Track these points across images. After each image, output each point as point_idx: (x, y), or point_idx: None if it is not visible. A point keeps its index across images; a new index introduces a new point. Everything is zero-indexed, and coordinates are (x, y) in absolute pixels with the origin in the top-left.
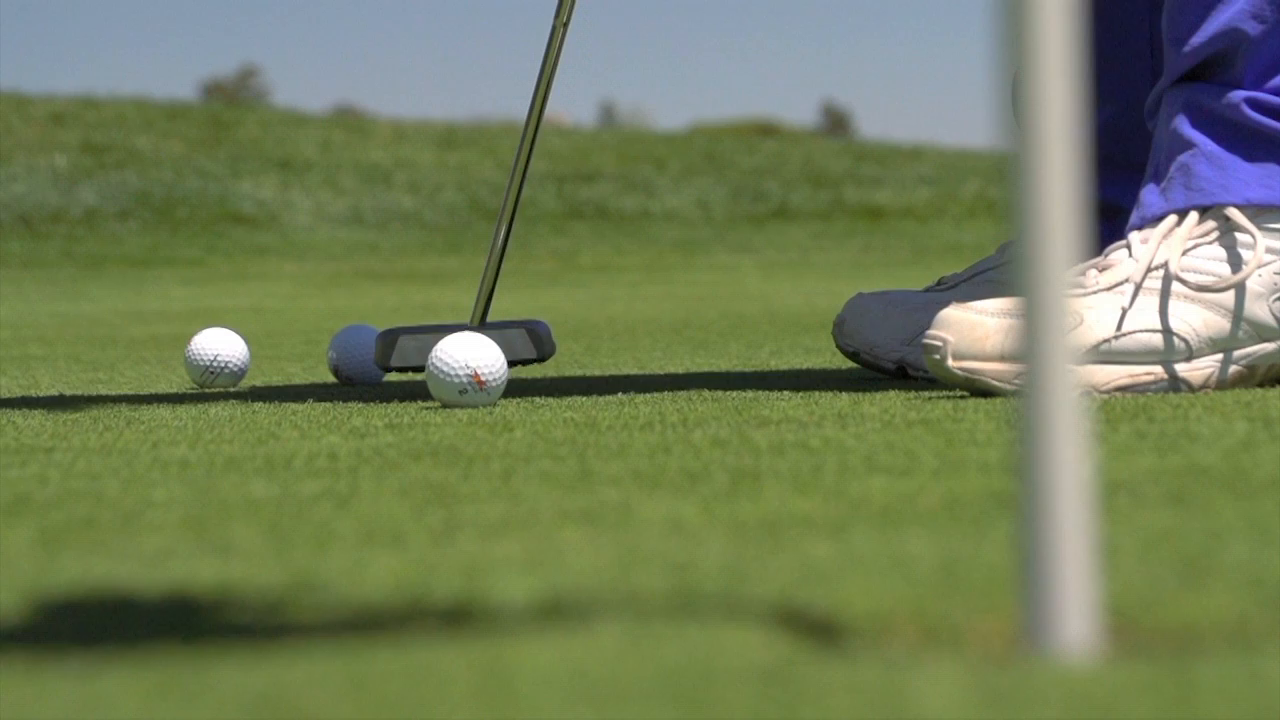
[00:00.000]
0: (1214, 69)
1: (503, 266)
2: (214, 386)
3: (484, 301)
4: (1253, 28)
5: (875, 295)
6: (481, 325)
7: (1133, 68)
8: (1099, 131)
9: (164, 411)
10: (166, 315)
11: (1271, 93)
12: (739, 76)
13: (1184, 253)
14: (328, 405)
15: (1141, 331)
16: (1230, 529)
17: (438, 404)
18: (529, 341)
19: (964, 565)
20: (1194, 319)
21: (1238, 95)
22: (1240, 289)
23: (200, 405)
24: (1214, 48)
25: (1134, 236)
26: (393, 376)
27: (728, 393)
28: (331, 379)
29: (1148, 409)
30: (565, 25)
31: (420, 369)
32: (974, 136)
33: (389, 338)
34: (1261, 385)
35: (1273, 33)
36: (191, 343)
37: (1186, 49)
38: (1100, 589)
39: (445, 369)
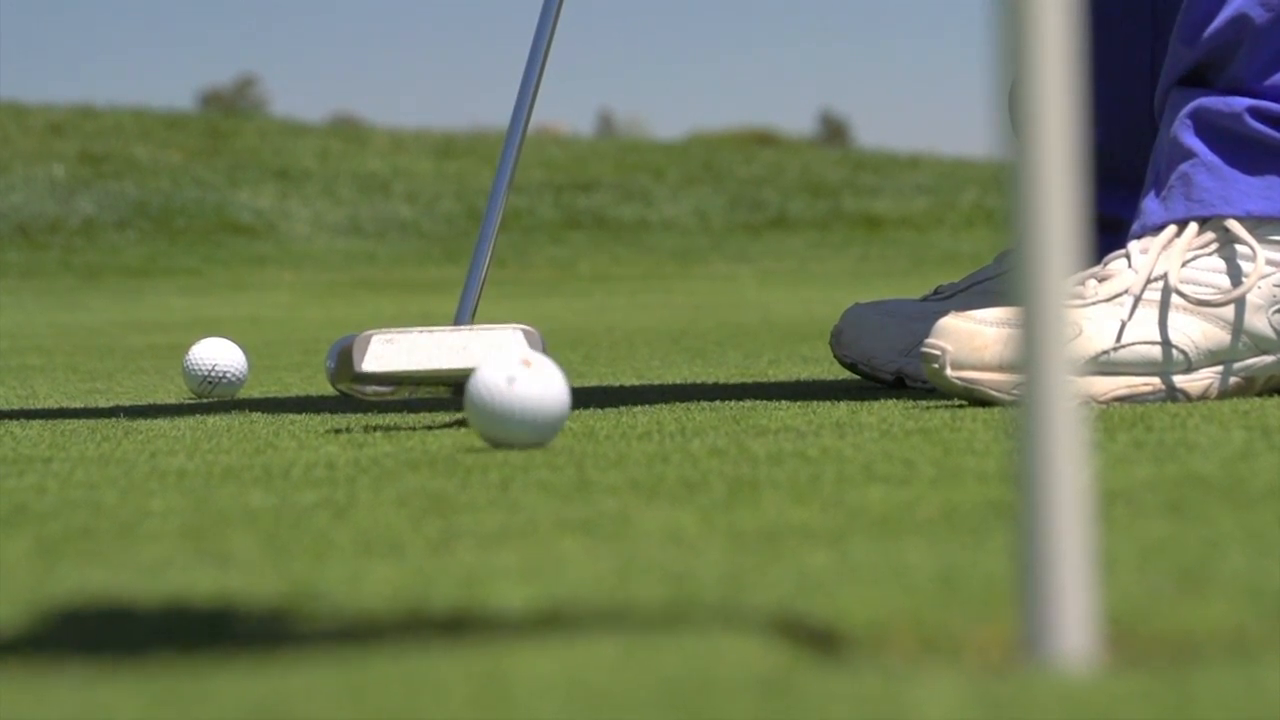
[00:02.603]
0: (1219, 62)
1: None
2: (212, 396)
3: (474, 301)
4: (1259, 15)
5: (872, 305)
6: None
7: (1133, 87)
8: (1100, 149)
9: (162, 421)
10: (164, 325)
11: (1273, 98)
12: (736, 86)
13: (1184, 264)
14: (326, 415)
15: (1141, 343)
16: (1228, 538)
17: (437, 413)
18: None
19: (962, 575)
20: (1193, 331)
21: (1240, 104)
22: (1240, 302)
23: (198, 415)
24: (1222, 38)
25: (1133, 246)
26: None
27: (725, 402)
28: (329, 389)
29: (1146, 418)
30: None
31: (392, 378)
32: (972, 146)
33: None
34: (1260, 395)
35: (1277, 23)
36: (189, 352)
37: (1195, 40)
38: (1098, 598)
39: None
